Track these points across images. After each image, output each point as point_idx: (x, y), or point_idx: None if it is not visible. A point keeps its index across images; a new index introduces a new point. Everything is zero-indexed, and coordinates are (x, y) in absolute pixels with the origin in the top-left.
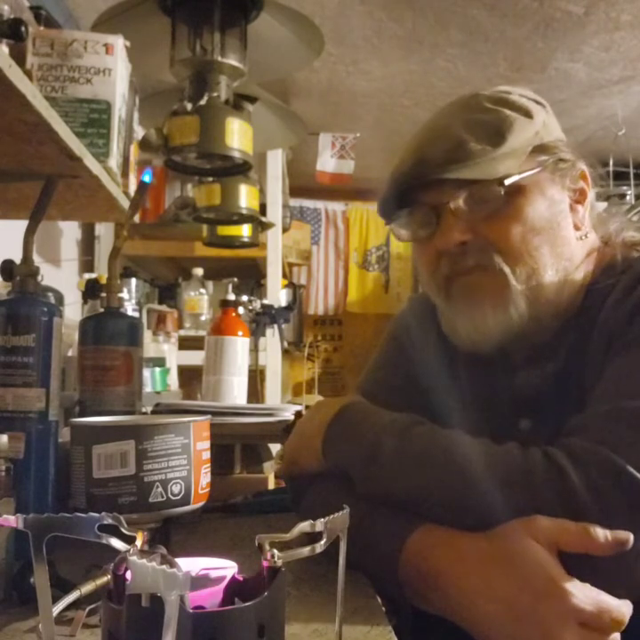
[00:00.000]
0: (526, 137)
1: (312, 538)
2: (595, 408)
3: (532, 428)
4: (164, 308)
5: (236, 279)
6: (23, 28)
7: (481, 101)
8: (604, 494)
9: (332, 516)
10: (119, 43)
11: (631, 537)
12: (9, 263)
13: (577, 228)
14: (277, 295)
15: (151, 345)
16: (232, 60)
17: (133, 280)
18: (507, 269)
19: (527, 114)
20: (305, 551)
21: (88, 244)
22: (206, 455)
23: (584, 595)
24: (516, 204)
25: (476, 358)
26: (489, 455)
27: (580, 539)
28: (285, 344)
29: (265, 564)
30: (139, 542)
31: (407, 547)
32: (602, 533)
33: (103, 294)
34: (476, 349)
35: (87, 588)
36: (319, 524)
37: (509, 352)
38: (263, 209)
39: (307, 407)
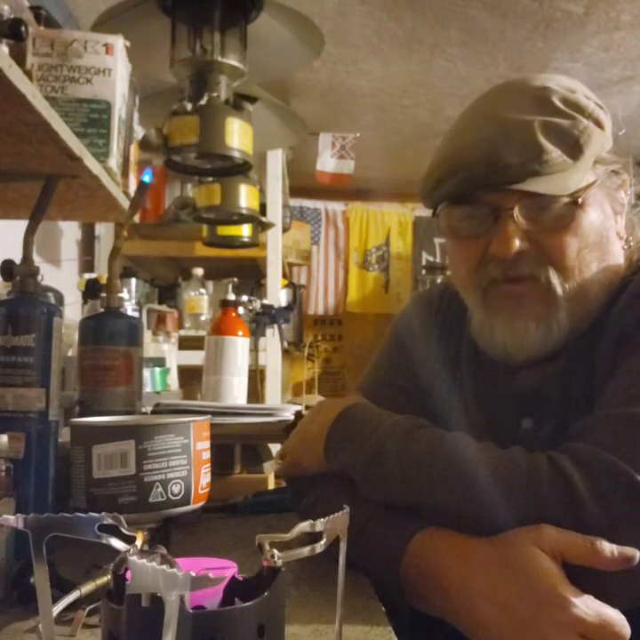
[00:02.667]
0: (596, 149)
1: (312, 538)
2: (601, 412)
3: (534, 428)
4: (164, 308)
5: (235, 279)
6: (23, 28)
7: (555, 100)
8: (609, 500)
9: (332, 516)
10: (119, 43)
11: (637, 554)
12: (9, 263)
13: (619, 237)
14: (277, 295)
15: (151, 345)
16: (232, 60)
17: (133, 280)
18: (557, 284)
19: (599, 124)
20: (305, 551)
21: (88, 244)
22: (206, 455)
23: (586, 606)
24: (577, 218)
25: (480, 356)
26: (493, 460)
27: (586, 552)
28: (285, 344)
29: (265, 563)
30: (139, 542)
31: (410, 547)
32: (608, 548)
33: (103, 294)
34: (508, 359)
35: (87, 588)
36: (319, 524)
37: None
38: (263, 209)
39: (307, 407)
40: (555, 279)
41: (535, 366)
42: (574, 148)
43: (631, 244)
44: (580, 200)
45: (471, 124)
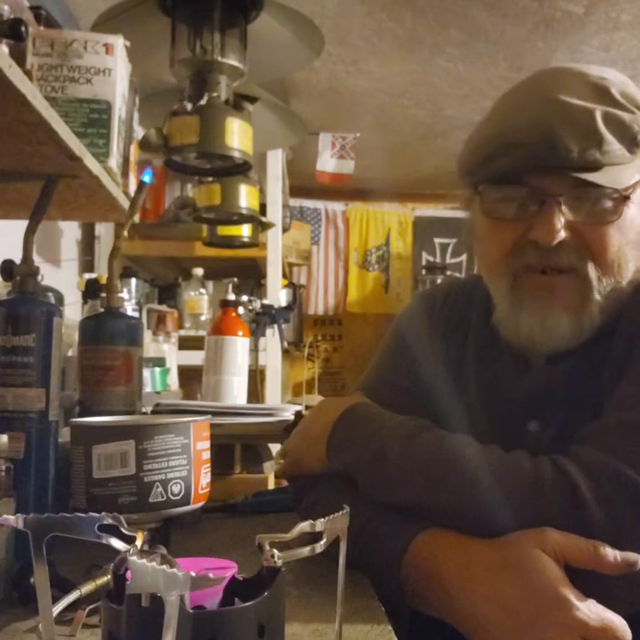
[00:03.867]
0: None
1: (312, 538)
2: (608, 417)
3: (540, 430)
4: (164, 308)
5: (235, 279)
6: (23, 28)
7: (614, 92)
8: (613, 505)
9: (332, 516)
10: (119, 43)
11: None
12: (9, 263)
13: None
14: (277, 295)
15: (151, 345)
16: (232, 60)
17: (133, 280)
18: (594, 278)
19: None
20: (305, 551)
21: (88, 244)
22: (206, 455)
23: (588, 609)
24: (621, 214)
25: (486, 356)
26: (496, 463)
27: (588, 556)
28: (285, 344)
29: (265, 563)
30: (139, 542)
31: (411, 548)
32: (611, 553)
33: (103, 294)
34: (531, 349)
35: (87, 588)
36: (319, 524)
37: (526, 351)
38: (263, 209)
39: (307, 407)
40: (593, 273)
41: (545, 366)
42: (632, 143)
43: None
44: (625, 195)
45: (524, 104)
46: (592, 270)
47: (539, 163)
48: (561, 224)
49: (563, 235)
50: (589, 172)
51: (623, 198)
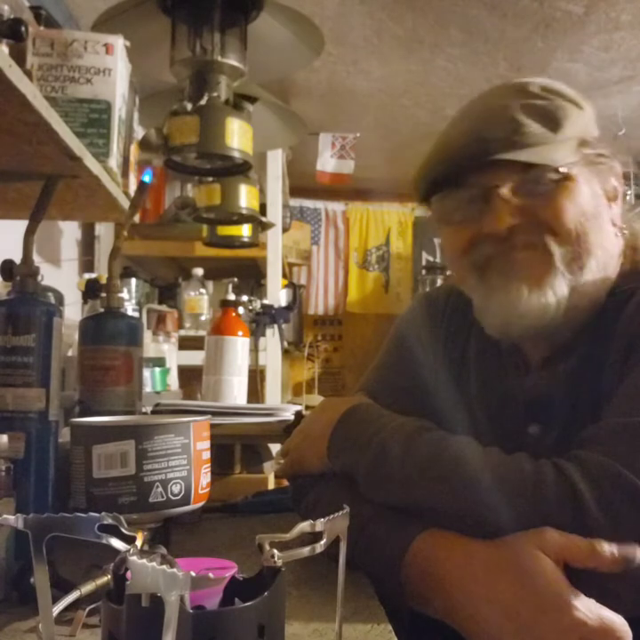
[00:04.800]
0: (578, 128)
1: (312, 538)
2: (609, 420)
3: (540, 434)
4: (164, 308)
5: (236, 279)
6: (23, 28)
7: (532, 88)
8: (613, 509)
9: (332, 516)
10: (119, 43)
11: (638, 552)
12: (9, 263)
13: (613, 224)
14: (277, 295)
15: (151, 345)
16: (232, 60)
17: (133, 280)
18: (554, 249)
19: (578, 105)
20: (305, 551)
21: (88, 244)
22: (206, 455)
23: (588, 610)
24: (567, 190)
25: (487, 359)
26: (498, 465)
27: (587, 555)
28: (285, 344)
29: (265, 563)
30: (139, 542)
31: (412, 548)
32: (609, 549)
33: (103, 294)
34: (506, 334)
35: (87, 588)
36: (319, 524)
37: (525, 351)
38: (263, 209)
39: (307, 407)
40: (553, 244)
41: (545, 369)
42: (552, 122)
43: (625, 232)
44: (566, 172)
45: (458, 120)
46: (552, 242)
47: (469, 160)
48: (507, 211)
49: (511, 220)
50: (515, 154)
51: (562, 177)
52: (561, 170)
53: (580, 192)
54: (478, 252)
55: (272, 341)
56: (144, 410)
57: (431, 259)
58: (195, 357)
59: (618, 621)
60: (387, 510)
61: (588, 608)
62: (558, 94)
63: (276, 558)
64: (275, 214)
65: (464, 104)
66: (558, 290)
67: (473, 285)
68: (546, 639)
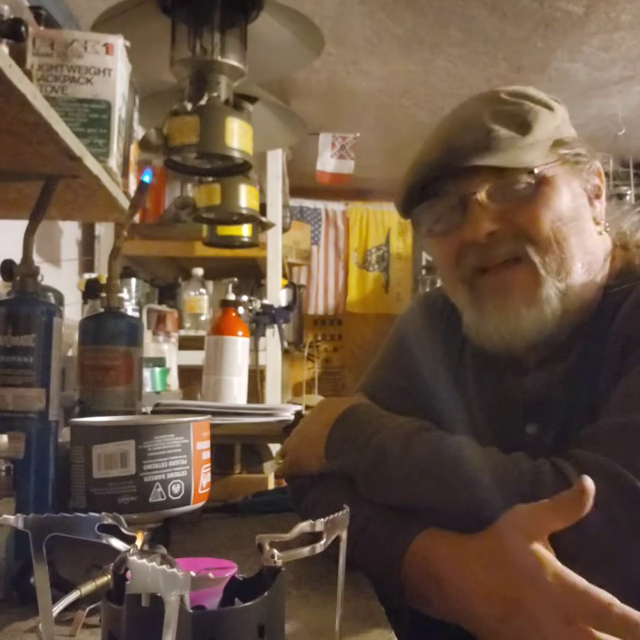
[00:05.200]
0: (549, 129)
1: (312, 538)
2: (607, 420)
3: (539, 433)
4: (164, 308)
5: (236, 279)
6: (23, 28)
7: (502, 95)
8: (611, 508)
9: (332, 516)
10: (119, 43)
11: (591, 483)
12: (9, 263)
13: (596, 222)
14: (277, 295)
15: (151, 345)
16: (232, 60)
17: (133, 280)
18: (537, 260)
19: (548, 107)
20: (305, 551)
21: (88, 244)
22: (206, 455)
23: (567, 582)
24: (543, 194)
25: (485, 360)
26: (495, 464)
27: (555, 512)
28: (285, 344)
29: (265, 563)
30: (139, 542)
31: (412, 548)
32: (568, 495)
33: (103, 294)
34: (508, 349)
35: (87, 588)
36: (319, 524)
37: (521, 353)
38: (263, 209)
39: (307, 407)
40: (534, 254)
41: (542, 369)
42: (522, 125)
43: (608, 230)
44: (540, 174)
45: (431, 134)
46: (532, 252)
47: (443, 169)
48: (485, 217)
49: (489, 226)
50: (485, 159)
51: (538, 179)
52: (535, 171)
53: (558, 193)
54: (464, 265)
55: (272, 341)
56: (144, 410)
57: (431, 259)
58: (195, 357)
59: (603, 595)
60: (386, 510)
61: (566, 582)
62: (527, 98)
63: (275, 558)
64: (275, 214)
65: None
66: (551, 301)
67: (464, 303)
68: (532, 616)
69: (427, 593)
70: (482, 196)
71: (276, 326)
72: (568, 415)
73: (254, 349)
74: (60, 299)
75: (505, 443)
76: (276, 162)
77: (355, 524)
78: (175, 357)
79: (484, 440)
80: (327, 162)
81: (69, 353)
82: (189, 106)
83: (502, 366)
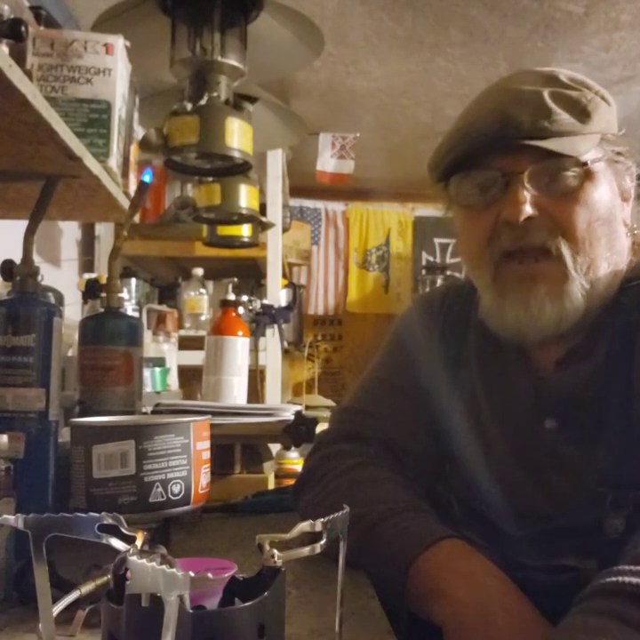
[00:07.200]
0: (604, 123)
1: (312, 538)
2: None
3: (558, 428)
4: (164, 308)
5: (236, 279)
6: (23, 28)
7: (562, 77)
8: None
9: (332, 516)
10: (119, 43)
11: None
12: (9, 263)
13: (625, 224)
14: (277, 295)
15: (151, 345)
16: (232, 60)
17: (133, 280)
18: (568, 257)
19: (606, 100)
20: (305, 551)
21: (88, 244)
22: (206, 455)
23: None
24: (587, 189)
25: (490, 357)
26: None
27: None
28: (285, 344)
29: (265, 563)
30: (139, 542)
31: (419, 560)
32: None
33: (103, 294)
34: (520, 339)
35: (87, 588)
36: (319, 524)
37: (533, 346)
38: (263, 209)
39: (307, 407)
40: (565, 250)
41: (564, 367)
42: (582, 114)
43: (635, 232)
44: (589, 167)
45: (482, 99)
46: (565, 248)
47: (494, 142)
48: (526, 199)
49: (529, 210)
50: (543, 142)
51: (584, 172)
52: (587, 163)
53: (599, 192)
54: (496, 245)
55: (272, 341)
56: (144, 410)
57: (431, 259)
58: (195, 357)
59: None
60: (395, 514)
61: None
62: (587, 86)
63: (275, 558)
64: (275, 214)
65: (485, 89)
66: (576, 298)
67: (486, 285)
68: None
69: (431, 605)
70: (528, 178)
71: (275, 326)
72: (595, 411)
73: (254, 349)
74: (59, 299)
75: (521, 438)
76: (275, 162)
77: (359, 526)
78: (175, 357)
79: (496, 436)
80: (327, 162)
81: (69, 353)
82: (189, 106)
83: (508, 362)
